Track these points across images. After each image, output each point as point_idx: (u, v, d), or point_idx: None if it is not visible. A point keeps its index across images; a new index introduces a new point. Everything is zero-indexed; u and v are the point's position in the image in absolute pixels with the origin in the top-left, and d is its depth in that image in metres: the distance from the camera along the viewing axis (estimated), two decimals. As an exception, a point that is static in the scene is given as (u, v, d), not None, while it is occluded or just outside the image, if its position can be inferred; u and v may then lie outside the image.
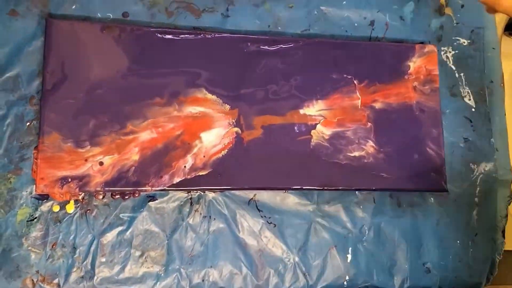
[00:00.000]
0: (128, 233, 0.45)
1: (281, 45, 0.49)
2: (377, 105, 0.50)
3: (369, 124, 0.50)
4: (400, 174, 0.50)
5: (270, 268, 0.48)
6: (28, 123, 0.45)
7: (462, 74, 0.55)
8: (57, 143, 0.43)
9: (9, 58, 0.45)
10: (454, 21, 0.56)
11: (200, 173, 0.45)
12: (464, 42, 0.56)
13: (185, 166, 0.45)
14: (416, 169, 0.50)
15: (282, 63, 0.49)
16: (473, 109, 0.55)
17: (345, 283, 0.49)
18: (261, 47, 0.49)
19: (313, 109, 0.49)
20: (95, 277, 0.44)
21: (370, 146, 0.50)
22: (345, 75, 0.50)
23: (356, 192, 0.51)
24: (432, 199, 0.52)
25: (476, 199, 0.54)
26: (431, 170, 0.51)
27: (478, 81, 0.56)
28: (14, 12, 0.45)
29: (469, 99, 0.55)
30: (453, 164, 0.53)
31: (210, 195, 0.48)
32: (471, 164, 0.54)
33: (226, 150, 0.46)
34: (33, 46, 0.45)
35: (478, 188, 0.54)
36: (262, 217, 0.49)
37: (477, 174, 0.54)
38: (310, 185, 0.48)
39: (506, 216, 0.54)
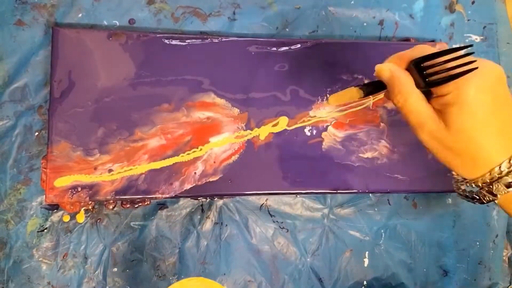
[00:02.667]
0: (139, 241, 0.45)
1: (290, 47, 0.48)
2: (389, 105, 0.49)
3: (382, 124, 0.49)
4: (415, 175, 0.49)
5: (285, 274, 0.47)
6: (36, 133, 0.44)
7: (476, 71, 0.54)
8: (66, 152, 0.42)
9: (17, 68, 0.45)
10: (465, 18, 0.55)
11: (211, 179, 0.45)
12: (477, 39, 0.55)
13: (195, 173, 0.44)
14: (431, 169, 0.49)
15: (291, 65, 0.48)
16: (489, 106, 0.54)
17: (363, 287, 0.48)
18: (269, 49, 0.48)
19: (324, 111, 0.48)
20: (107, 287, 0.44)
21: (383, 147, 0.48)
22: (355, 76, 0.49)
23: (370, 194, 0.50)
24: (449, 199, 0.51)
25: (495, 198, 0.52)
26: (447, 170, 0.49)
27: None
28: (20, 22, 0.45)
29: (484, 96, 0.54)
30: (469, 164, 0.52)
31: (221, 201, 0.47)
32: (487, 163, 0.53)
33: (237, 155, 0.46)
34: (40, 55, 0.45)
35: (496, 188, 0.52)
36: (274, 222, 0.48)
37: (494, 173, 0.53)
38: (322, 188, 0.47)
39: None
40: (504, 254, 0.52)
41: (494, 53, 0.55)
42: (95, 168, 0.43)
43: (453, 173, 0.36)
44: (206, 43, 0.47)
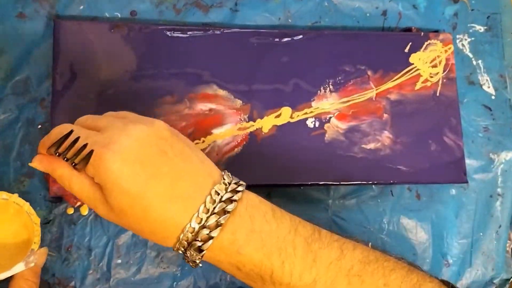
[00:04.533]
0: (143, 233, 0.45)
1: (292, 38, 0.48)
2: (392, 96, 0.49)
3: (385, 115, 0.49)
4: (418, 166, 0.48)
5: (288, 265, 0.47)
6: (39, 126, 0.44)
7: (479, 61, 0.54)
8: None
9: (19, 61, 0.45)
10: (469, 8, 0.55)
11: (214, 171, 0.45)
12: (480, 29, 0.55)
13: (198, 165, 0.44)
14: (434, 161, 0.49)
15: (294, 56, 0.48)
16: (493, 97, 0.53)
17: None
18: (272, 40, 0.48)
19: (327, 103, 0.48)
20: (111, 279, 0.44)
21: (386, 137, 0.48)
22: (358, 67, 0.49)
23: (373, 186, 0.50)
24: (453, 190, 0.51)
25: (498, 189, 0.52)
26: (450, 161, 0.49)
27: (498, 67, 0.54)
28: (22, 14, 0.45)
29: (488, 87, 0.53)
30: (472, 155, 0.52)
31: (225, 193, 0.47)
32: (491, 154, 0.53)
33: (240, 147, 0.46)
34: (42, 48, 0.45)
35: (500, 179, 0.52)
36: (277, 214, 0.48)
37: (498, 164, 0.53)
38: (325, 180, 0.47)
39: (531, 206, 0.53)
40: (508, 245, 0.52)
41: (498, 43, 0.55)
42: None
43: None
44: (208, 35, 0.47)
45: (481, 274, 0.50)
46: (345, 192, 0.49)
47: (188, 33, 0.46)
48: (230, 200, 0.30)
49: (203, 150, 0.45)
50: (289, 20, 0.50)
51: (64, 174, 0.31)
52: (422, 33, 0.51)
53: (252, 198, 0.32)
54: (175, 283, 0.45)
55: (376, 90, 0.49)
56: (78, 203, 0.44)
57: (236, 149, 0.46)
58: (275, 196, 0.48)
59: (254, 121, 0.46)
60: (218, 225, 0.28)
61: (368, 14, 0.52)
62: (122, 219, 0.29)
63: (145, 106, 0.44)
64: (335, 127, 0.48)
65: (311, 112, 0.48)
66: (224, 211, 0.29)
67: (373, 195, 0.50)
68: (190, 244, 0.29)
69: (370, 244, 0.49)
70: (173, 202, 0.28)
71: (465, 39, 0.54)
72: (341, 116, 0.48)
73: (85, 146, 0.29)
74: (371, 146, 0.48)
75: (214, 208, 0.29)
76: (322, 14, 0.51)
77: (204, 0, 0.49)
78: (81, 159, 0.29)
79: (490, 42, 0.54)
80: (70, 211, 0.44)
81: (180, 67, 0.46)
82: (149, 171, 0.28)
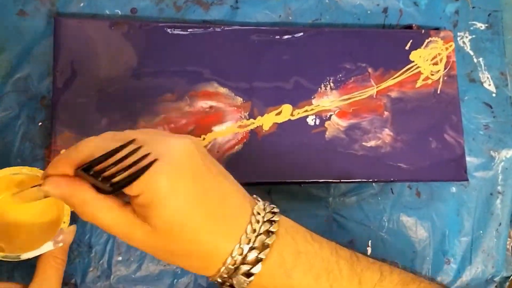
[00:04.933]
0: (143, 231, 0.45)
1: (293, 35, 0.48)
2: (393, 94, 0.49)
3: (386, 113, 0.49)
4: (419, 164, 0.48)
5: (288, 263, 0.47)
6: (40, 123, 0.44)
7: (480, 59, 0.54)
8: (70, 142, 0.42)
9: (20, 58, 0.45)
10: (470, 5, 0.55)
11: (214, 169, 0.45)
12: (481, 26, 0.54)
13: (198, 162, 0.44)
14: (435, 158, 0.49)
15: (294, 53, 0.48)
16: (494, 95, 0.53)
17: (365, 276, 0.48)
18: (272, 38, 0.48)
19: (327, 100, 0.48)
20: (112, 276, 0.44)
21: (386, 135, 0.48)
22: (358, 64, 0.49)
23: (373, 183, 0.50)
24: (453, 188, 0.51)
25: (499, 187, 0.52)
26: (450, 159, 0.49)
27: (499, 65, 0.54)
28: (22, 12, 0.45)
29: (489, 84, 0.53)
30: (473, 152, 0.52)
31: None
32: (491, 151, 0.53)
33: (240, 145, 0.46)
34: (42, 45, 0.45)
35: (500, 176, 0.52)
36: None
37: (498, 161, 0.53)
38: (326, 178, 0.47)
39: (531, 204, 0.53)
40: (508, 243, 0.52)
41: (499, 41, 0.54)
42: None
43: None
44: (209, 32, 0.47)
45: (481, 272, 0.50)
46: (345, 190, 0.49)
47: (188, 30, 0.46)
48: (270, 221, 0.28)
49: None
50: (290, 18, 0.50)
51: (87, 199, 0.26)
52: (423, 31, 0.51)
53: (288, 220, 0.30)
54: (175, 280, 0.45)
55: (377, 87, 0.49)
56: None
57: (236, 147, 0.46)
58: (276, 194, 0.48)
59: (255, 119, 0.46)
60: (265, 246, 0.26)
61: (369, 12, 0.52)
62: (166, 242, 0.26)
63: (146, 103, 0.44)
64: (336, 125, 0.48)
65: (312, 109, 0.47)
66: (268, 232, 0.27)
67: (373, 192, 0.50)
68: (236, 269, 0.26)
69: (370, 242, 0.49)
70: (222, 222, 0.26)
71: (466, 37, 0.54)
72: (341, 114, 0.48)
73: (134, 163, 0.25)
74: (372, 143, 0.48)
75: (260, 228, 0.27)
76: (322, 11, 0.51)
77: (204, -2, 0.49)
78: (129, 175, 0.24)
79: (491, 40, 0.54)
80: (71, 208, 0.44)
81: (180, 65, 0.46)
82: (200, 188, 0.26)
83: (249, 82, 0.47)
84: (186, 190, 0.25)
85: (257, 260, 0.26)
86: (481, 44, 0.54)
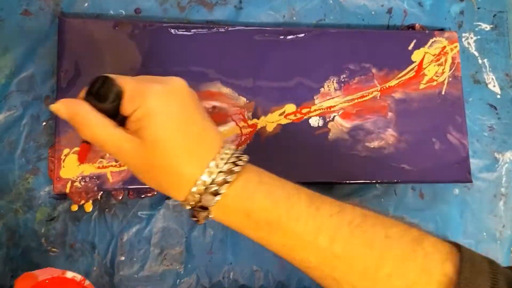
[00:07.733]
0: (146, 231, 0.45)
1: (296, 36, 0.48)
2: (397, 95, 0.49)
3: (390, 114, 0.49)
4: (423, 165, 0.48)
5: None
6: (44, 123, 0.44)
7: (485, 60, 0.53)
8: (74, 142, 0.43)
9: (24, 58, 0.45)
10: (475, 6, 0.54)
11: (217, 169, 0.45)
12: (486, 27, 0.54)
13: (202, 162, 0.44)
14: (439, 160, 0.49)
15: (298, 54, 0.48)
16: (498, 96, 0.53)
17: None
18: (276, 38, 0.48)
19: (331, 101, 0.48)
20: (115, 276, 0.44)
21: (390, 135, 0.48)
22: (362, 65, 0.49)
23: (377, 185, 0.50)
24: (456, 190, 0.51)
25: (502, 189, 0.52)
26: (454, 160, 0.49)
27: (504, 66, 0.54)
28: (27, 12, 0.45)
29: (494, 86, 0.53)
30: (477, 154, 0.52)
31: (228, 191, 0.47)
32: (495, 153, 0.52)
33: (244, 146, 0.46)
34: (47, 45, 0.45)
35: (504, 178, 0.52)
36: (281, 212, 0.48)
37: (502, 163, 0.52)
38: (329, 179, 0.47)
39: (535, 206, 0.52)
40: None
41: (504, 42, 0.54)
42: (103, 158, 0.43)
43: None
44: (213, 33, 0.47)
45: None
46: (348, 191, 0.49)
47: (192, 30, 0.46)
48: (238, 157, 0.32)
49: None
50: (294, 18, 0.50)
51: (86, 118, 0.31)
52: (427, 31, 0.51)
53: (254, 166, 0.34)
54: (178, 280, 0.45)
55: (381, 88, 0.49)
56: (82, 201, 0.44)
57: (240, 148, 0.46)
58: (279, 194, 0.48)
59: (258, 119, 0.46)
60: (233, 172, 0.30)
61: (373, 12, 0.52)
62: (149, 154, 0.30)
63: (149, 103, 0.44)
64: (339, 126, 0.48)
65: (315, 110, 0.47)
66: (235, 164, 0.31)
67: (376, 194, 0.50)
68: (206, 189, 0.30)
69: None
70: (198, 147, 0.31)
71: (471, 38, 0.54)
72: (345, 115, 0.48)
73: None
74: (375, 144, 0.48)
75: (229, 159, 0.31)
76: (327, 11, 0.51)
77: (208, -2, 0.49)
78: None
79: (496, 41, 0.54)
80: (74, 208, 0.44)
81: (184, 65, 0.46)
82: (186, 115, 0.31)
83: (253, 82, 0.47)
84: (174, 113, 0.30)
85: (225, 182, 0.30)
86: (486, 45, 0.54)
